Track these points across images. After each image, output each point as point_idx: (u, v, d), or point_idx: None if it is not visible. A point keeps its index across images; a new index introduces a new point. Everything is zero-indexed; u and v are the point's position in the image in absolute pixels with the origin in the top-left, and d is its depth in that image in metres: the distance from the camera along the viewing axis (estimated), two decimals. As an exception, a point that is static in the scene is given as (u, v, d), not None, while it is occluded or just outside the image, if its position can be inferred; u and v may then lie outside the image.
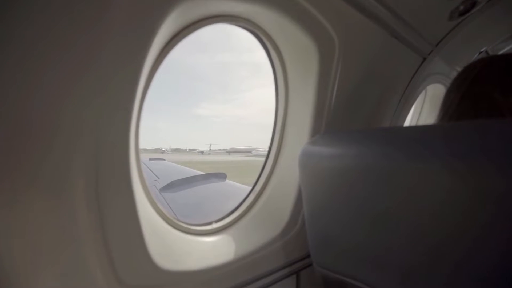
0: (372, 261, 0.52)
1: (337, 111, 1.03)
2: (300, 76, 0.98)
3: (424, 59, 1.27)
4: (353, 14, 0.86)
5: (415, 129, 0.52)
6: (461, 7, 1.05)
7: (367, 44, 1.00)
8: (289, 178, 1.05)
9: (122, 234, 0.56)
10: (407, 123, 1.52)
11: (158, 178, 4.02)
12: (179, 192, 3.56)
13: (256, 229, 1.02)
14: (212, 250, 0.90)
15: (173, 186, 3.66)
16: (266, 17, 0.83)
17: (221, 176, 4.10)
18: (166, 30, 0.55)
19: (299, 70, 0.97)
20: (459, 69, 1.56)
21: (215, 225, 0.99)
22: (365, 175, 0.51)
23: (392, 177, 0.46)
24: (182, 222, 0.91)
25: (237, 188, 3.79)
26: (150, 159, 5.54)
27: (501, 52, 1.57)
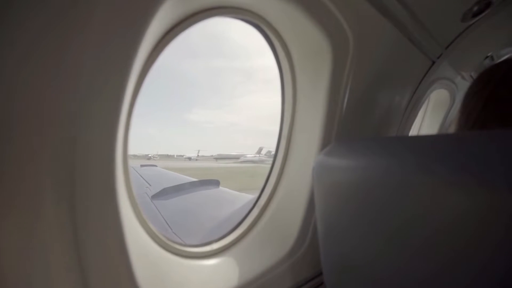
0: (391, 282, 0.48)
1: (348, 117, 0.93)
2: (310, 77, 0.88)
3: (433, 63, 1.21)
4: (368, 8, 0.77)
5: (437, 139, 0.48)
6: (475, 8, 1.00)
7: (380, 44, 0.92)
8: (297, 190, 0.94)
9: (102, 259, 0.46)
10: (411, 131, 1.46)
11: (150, 185, 3.89)
12: (170, 200, 3.43)
13: (262, 249, 0.89)
14: (212, 275, 0.77)
15: (164, 193, 3.52)
16: (273, 8, 0.72)
17: (214, 183, 3.98)
18: (158, 26, 0.49)
19: (310, 71, 0.87)
20: (464, 74, 1.53)
21: (215, 246, 0.85)
22: (388, 188, 0.46)
23: (415, 190, 0.42)
24: (177, 244, 0.78)
25: (229, 194, 3.68)
26: (141, 166, 5.34)
27: (504, 58, 1.54)
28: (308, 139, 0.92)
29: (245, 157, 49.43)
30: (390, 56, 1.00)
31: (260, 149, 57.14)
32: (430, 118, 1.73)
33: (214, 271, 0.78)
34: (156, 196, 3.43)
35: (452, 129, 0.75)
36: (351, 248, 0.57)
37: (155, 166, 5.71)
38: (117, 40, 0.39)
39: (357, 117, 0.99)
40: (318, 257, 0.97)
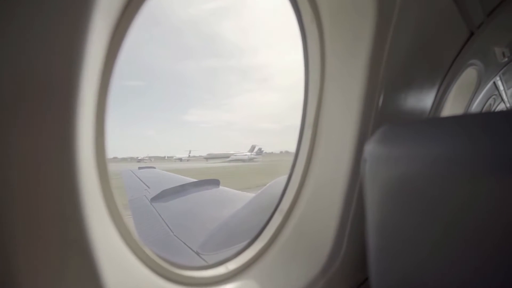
0: None
1: (387, 96, 0.74)
2: (344, 47, 0.68)
3: (471, 34, 1.02)
4: None
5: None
6: None
7: (425, 5, 0.73)
8: (329, 188, 0.74)
9: None
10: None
11: (148, 188, 3.69)
12: (170, 202, 3.27)
13: (288, 266, 0.69)
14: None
15: (164, 195, 3.31)
16: None
17: (213, 183, 3.80)
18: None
19: (344, 39, 0.67)
20: (497, 50, 1.35)
21: (231, 266, 0.65)
22: (461, 182, 0.40)
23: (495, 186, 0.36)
24: (182, 268, 0.57)
25: (230, 193, 3.52)
26: (139, 168, 5.16)
27: None
28: (341, 125, 0.72)
29: (235, 156, 49.02)
30: (433, 22, 0.81)
31: (253, 147, 56.68)
32: (452, 101, 1.55)
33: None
34: (155, 198, 3.24)
35: None
36: (421, 262, 0.47)
37: (154, 168, 5.50)
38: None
39: (397, 97, 0.80)
40: (357, 268, 0.77)
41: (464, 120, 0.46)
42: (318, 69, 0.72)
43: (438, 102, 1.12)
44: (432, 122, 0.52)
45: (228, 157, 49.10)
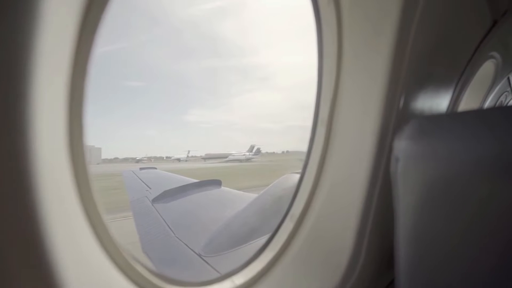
0: None
1: (410, 88, 0.66)
2: (364, 32, 0.59)
3: (494, 23, 0.94)
4: None
5: None
6: None
7: None
8: (345, 190, 0.65)
9: None
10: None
11: (150, 188, 3.65)
12: (172, 202, 3.21)
13: (302, 279, 0.61)
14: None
15: (166, 196, 3.27)
16: None
17: (215, 183, 3.74)
18: None
19: (365, 21, 0.58)
20: None
21: (237, 280, 0.57)
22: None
23: None
24: (182, 284, 0.49)
25: (231, 194, 3.47)
26: (141, 169, 5.12)
27: None
28: (358, 121, 0.64)
29: (233, 156, 48.69)
30: (457, 11, 0.73)
31: (252, 147, 56.26)
32: (466, 97, 1.46)
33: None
34: (157, 199, 3.19)
35: None
36: (461, 271, 0.42)
37: (155, 168, 5.44)
38: None
39: (418, 90, 0.71)
40: (377, 276, 0.68)
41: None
42: (334, 60, 0.64)
43: (456, 97, 1.04)
44: (473, 114, 0.45)
45: (226, 157, 48.84)
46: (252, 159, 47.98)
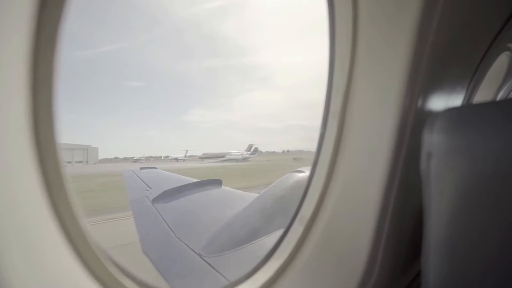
0: None
1: (432, 79, 0.59)
2: (384, 14, 0.53)
3: None
4: None
5: None
6: None
7: None
8: (360, 190, 0.59)
9: None
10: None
11: (150, 188, 3.60)
12: (172, 202, 3.16)
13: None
14: None
15: (166, 196, 3.22)
16: None
17: (216, 183, 3.69)
18: None
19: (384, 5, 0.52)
20: None
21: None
22: None
23: None
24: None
25: (232, 194, 3.42)
26: (141, 168, 5.09)
27: None
28: (375, 113, 0.57)
29: (230, 155, 48.38)
30: (477, 2, 0.67)
31: (250, 147, 55.93)
32: (481, 88, 1.40)
33: None
34: (157, 199, 3.15)
35: None
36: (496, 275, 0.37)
37: (155, 168, 5.40)
38: None
39: (437, 81, 0.65)
40: (395, 279, 0.62)
41: None
42: (348, 49, 0.57)
43: (472, 89, 0.98)
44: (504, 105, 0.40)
45: (223, 156, 48.57)
46: (249, 159, 47.70)
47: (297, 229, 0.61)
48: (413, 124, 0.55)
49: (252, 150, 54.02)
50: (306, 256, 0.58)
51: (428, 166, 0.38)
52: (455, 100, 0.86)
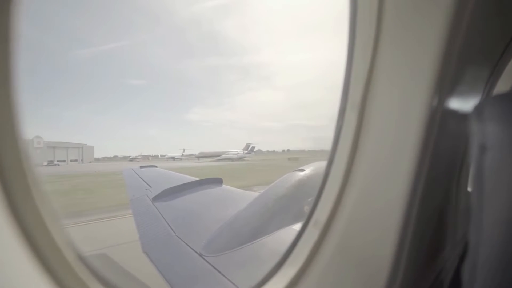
0: None
1: (460, 68, 0.54)
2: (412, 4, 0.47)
3: None
4: None
5: None
6: None
7: None
8: (382, 187, 0.53)
9: None
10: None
11: (150, 187, 3.58)
12: (173, 201, 3.12)
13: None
14: None
15: (166, 194, 3.19)
16: None
17: (216, 182, 3.64)
18: None
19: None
20: None
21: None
22: None
23: None
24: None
25: (233, 193, 3.39)
26: (141, 167, 5.06)
27: None
28: (401, 104, 0.51)
29: (226, 154, 48.06)
30: None
31: (248, 146, 55.65)
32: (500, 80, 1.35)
33: None
34: (157, 198, 3.12)
35: None
36: None
37: (155, 166, 5.36)
38: None
39: (466, 72, 0.59)
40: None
41: None
42: (371, 33, 0.51)
43: (493, 81, 0.93)
44: None
45: (219, 155, 48.26)
46: (245, 158, 47.36)
47: (312, 234, 0.55)
48: (441, 119, 0.50)
49: (249, 149, 53.76)
50: (323, 264, 0.52)
51: (482, 162, 0.32)
52: (478, 93, 0.81)
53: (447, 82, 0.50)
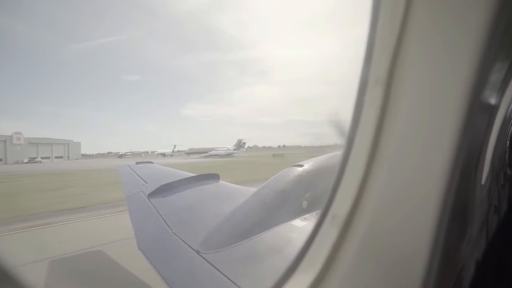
0: None
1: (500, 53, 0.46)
2: None
3: None
4: None
5: None
6: None
7: None
8: (411, 179, 0.45)
9: None
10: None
11: (146, 183, 3.55)
12: (169, 197, 3.05)
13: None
14: None
15: (162, 190, 3.15)
16: None
17: (213, 177, 3.60)
18: None
19: None
20: None
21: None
22: None
23: None
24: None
25: (229, 188, 3.35)
26: (137, 163, 5.00)
27: None
28: (441, 78, 0.43)
29: (216, 150, 47.76)
30: None
31: (239, 142, 55.36)
32: None
33: None
34: (153, 194, 3.07)
35: None
36: None
37: (151, 162, 5.29)
38: None
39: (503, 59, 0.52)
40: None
41: None
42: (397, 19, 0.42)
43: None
44: None
45: (208, 151, 47.95)
46: (234, 154, 46.96)
47: (329, 232, 0.46)
48: (481, 108, 0.42)
49: (240, 145, 53.50)
50: (345, 268, 0.44)
51: None
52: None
53: (489, 63, 0.42)
